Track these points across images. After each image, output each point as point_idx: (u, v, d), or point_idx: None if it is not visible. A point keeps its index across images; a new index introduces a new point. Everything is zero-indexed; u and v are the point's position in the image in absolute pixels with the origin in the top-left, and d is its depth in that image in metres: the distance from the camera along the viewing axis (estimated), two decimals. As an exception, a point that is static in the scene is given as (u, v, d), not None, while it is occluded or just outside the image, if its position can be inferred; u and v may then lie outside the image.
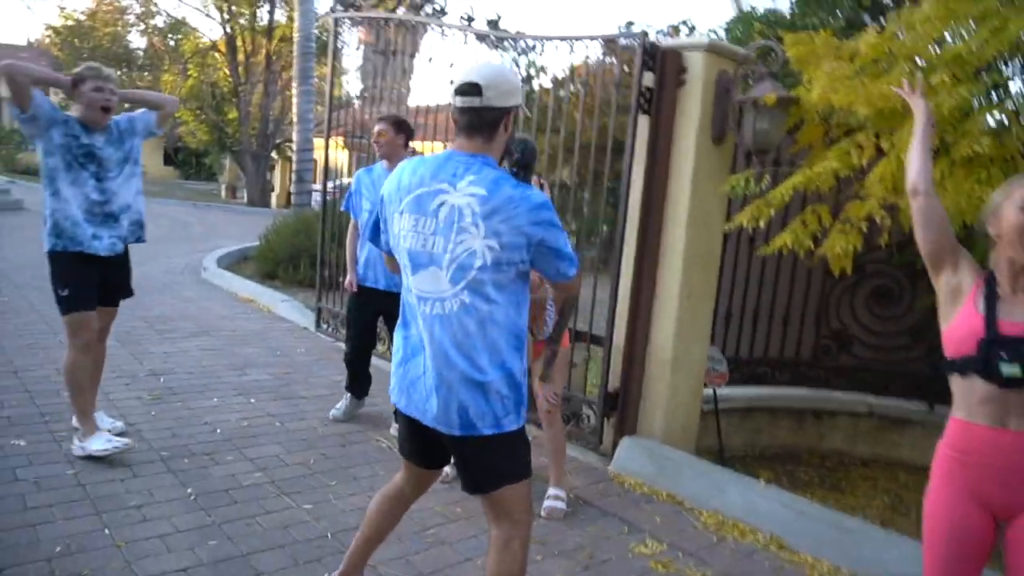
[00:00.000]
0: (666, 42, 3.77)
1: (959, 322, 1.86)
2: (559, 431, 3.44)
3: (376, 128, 4.10)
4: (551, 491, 3.38)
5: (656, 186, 3.89)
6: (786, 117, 3.57)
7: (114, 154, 3.37)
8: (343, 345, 4.70)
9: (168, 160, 37.23)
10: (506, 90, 1.87)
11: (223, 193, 30.47)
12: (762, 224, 3.52)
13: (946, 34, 3.38)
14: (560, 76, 5.05)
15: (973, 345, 1.78)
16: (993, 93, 3.42)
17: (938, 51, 3.31)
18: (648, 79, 3.77)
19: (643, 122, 3.85)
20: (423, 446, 2.14)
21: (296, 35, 11.94)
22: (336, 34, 6.13)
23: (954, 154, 3.00)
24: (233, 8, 23.48)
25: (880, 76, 3.25)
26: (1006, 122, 3.11)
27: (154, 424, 4.00)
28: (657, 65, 3.73)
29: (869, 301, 5.00)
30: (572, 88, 4.56)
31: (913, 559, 2.29)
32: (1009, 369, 1.70)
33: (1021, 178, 1.87)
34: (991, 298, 1.82)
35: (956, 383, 1.87)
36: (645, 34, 3.68)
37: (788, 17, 6.19)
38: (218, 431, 4.00)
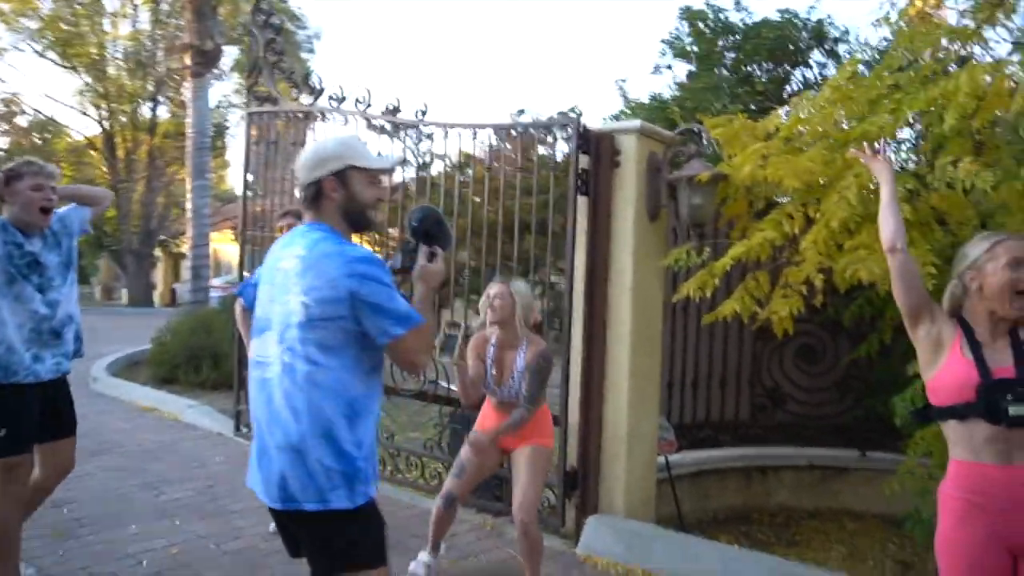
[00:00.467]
0: (600, 126, 3.94)
1: (949, 370, 1.96)
2: (536, 536, 3.18)
3: (280, 223, 3.97)
4: None
5: (599, 264, 3.98)
6: (716, 193, 3.78)
7: (55, 260, 2.96)
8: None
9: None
10: (311, 165, 1.97)
11: (98, 295, 28.68)
12: (707, 293, 3.65)
13: (842, 114, 3.76)
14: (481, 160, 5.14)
15: (972, 391, 1.88)
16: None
17: (845, 128, 3.65)
18: (584, 161, 3.90)
19: (582, 203, 3.96)
20: (282, 531, 2.04)
21: (189, 131, 11.64)
22: (248, 127, 5.99)
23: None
24: (113, 105, 22.70)
25: (800, 153, 3.53)
26: (917, 190, 3.42)
27: (67, 566, 3.52)
28: (592, 148, 3.88)
29: (796, 359, 5.26)
30: (472, 171, 4.70)
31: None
32: (1017, 410, 1.80)
33: (996, 235, 2.03)
34: (975, 346, 1.94)
35: (953, 428, 1.95)
36: (579, 117, 3.83)
37: (670, 104, 6.68)
38: (144, 563, 3.57)
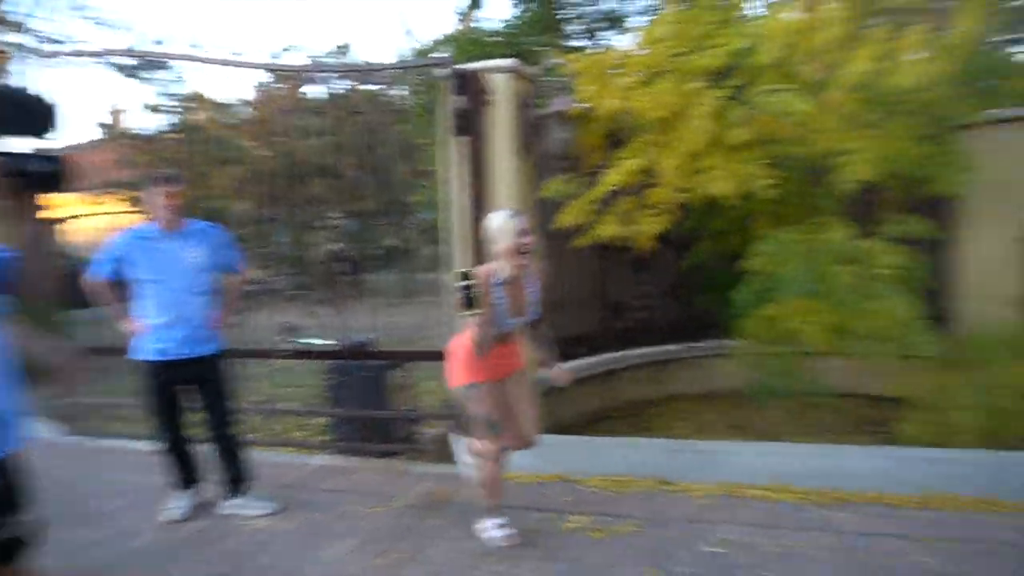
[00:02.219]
0: (472, 66, 4.03)
1: None
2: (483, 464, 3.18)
3: None
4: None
5: (479, 201, 4.15)
6: (581, 126, 4.14)
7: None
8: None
9: None
10: None
11: None
12: (588, 219, 4.03)
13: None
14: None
15: None
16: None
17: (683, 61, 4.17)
18: (459, 101, 4.00)
19: (459, 142, 4.07)
20: None
21: None
22: None
23: (726, 144, 3.85)
24: None
25: (653, 85, 3.99)
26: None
27: None
28: (468, 88, 3.98)
29: (632, 272, 5.92)
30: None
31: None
32: None
33: None
34: None
35: None
36: (454, 60, 3.90)
37: (501, 36, 6.88)
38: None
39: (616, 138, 4.29)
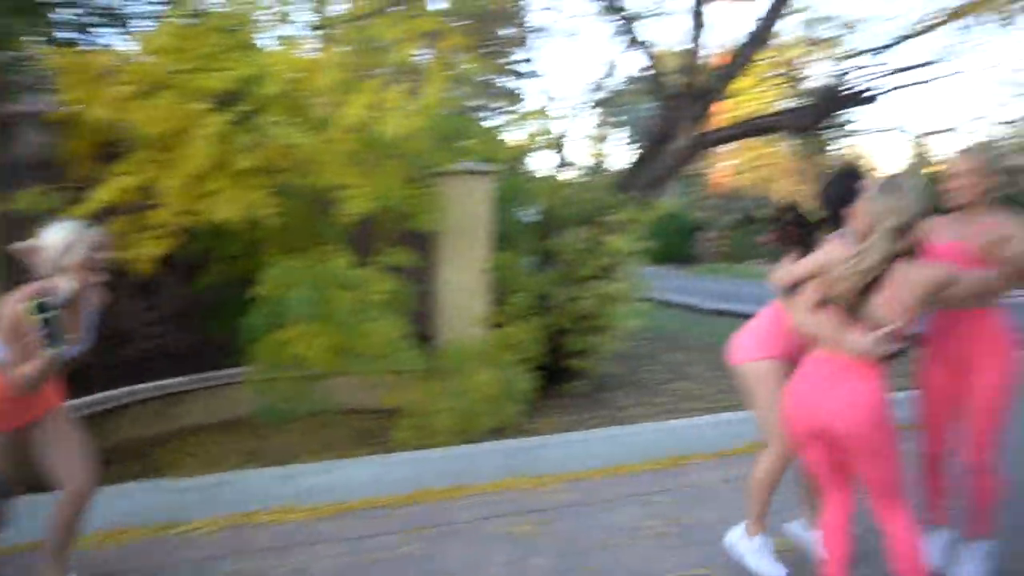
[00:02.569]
0: None
1: None
2: None
3: None
4: None
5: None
6: (64, 131, 3.61)
7: None
8: None
9: None
10: None
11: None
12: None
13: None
14: None
15: None
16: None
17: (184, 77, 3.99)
18: None
19: None
20: None
21: None
22: None
23: (232, 169, 3.81)
24: None
25: (153, 98, 3.72)
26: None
27: None
28: None
29: (142, 298, 5.35)
30: None
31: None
32: None
33: None
34: None
35: None
36: None
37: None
38: None
39: (112, 150, 3.87)
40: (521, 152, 4.32)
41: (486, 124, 5.01)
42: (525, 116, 4.59)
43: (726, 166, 28.40)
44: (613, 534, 3.54)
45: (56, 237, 2.58)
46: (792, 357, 2.67)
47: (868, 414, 2.27)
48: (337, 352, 4.23)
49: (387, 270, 4.58)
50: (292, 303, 3.96)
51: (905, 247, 2.21)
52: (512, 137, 4.18)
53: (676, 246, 24.09)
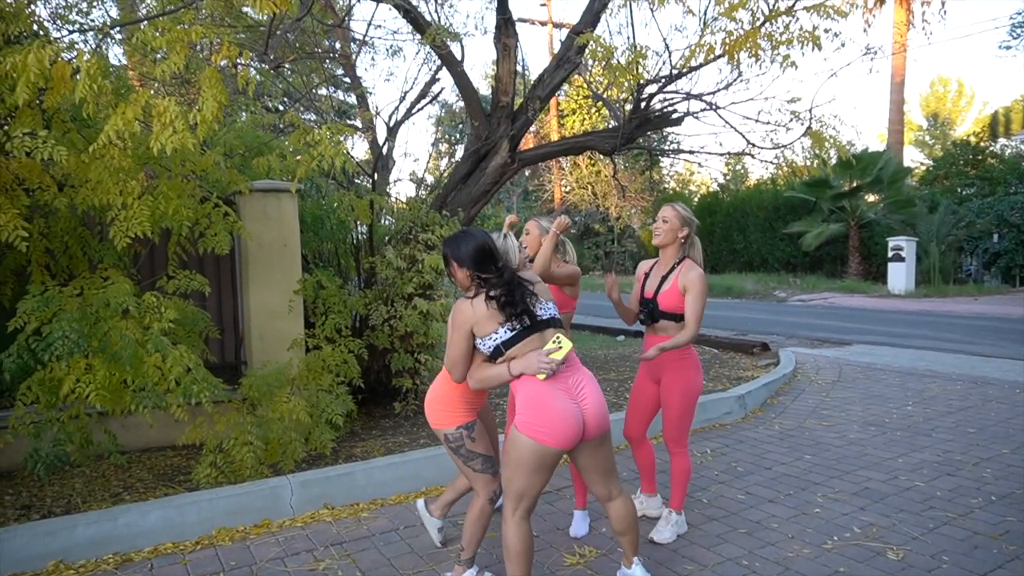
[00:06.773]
0: None
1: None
2: None
3: None
4: None
5: None
6: None
7: None
8: None
9: None
10: None
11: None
12: None
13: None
14: None
15: None
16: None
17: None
18: None
19: None
20: None
21: None
22: None
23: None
24: None
25: None
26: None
27: None
28: None
29: None
30: None
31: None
32: None
33: None
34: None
35: None
36: None
37: None
38: None
39: None
40: (326, 170, 4.13)
41: (292, 140, 4.77)
42: (334, 131, 4.42)
43: (565, 182, 29.65)
44: (424, 560, 3.44)
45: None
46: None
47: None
48: (118, 388, 3.81)
49: (177, 295, 4.22)
50: (56, 336, 3.52)
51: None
52: (320, 153, 3.99)
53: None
